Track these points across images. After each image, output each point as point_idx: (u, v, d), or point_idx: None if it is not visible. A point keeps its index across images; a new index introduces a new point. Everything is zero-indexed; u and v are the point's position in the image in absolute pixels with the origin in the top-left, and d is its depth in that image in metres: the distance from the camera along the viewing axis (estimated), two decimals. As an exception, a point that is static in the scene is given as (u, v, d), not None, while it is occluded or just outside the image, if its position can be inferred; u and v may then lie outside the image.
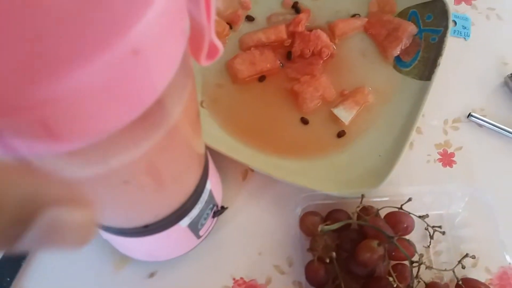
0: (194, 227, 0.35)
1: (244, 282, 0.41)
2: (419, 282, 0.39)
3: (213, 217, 0.39)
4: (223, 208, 0.41)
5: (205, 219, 0.37)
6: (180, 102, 0.21)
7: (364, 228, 0.40)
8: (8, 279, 0.39)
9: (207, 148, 0.39)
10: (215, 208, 0.38)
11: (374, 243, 0.37)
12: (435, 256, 0.42)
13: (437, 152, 0.47)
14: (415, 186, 0.44)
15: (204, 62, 0.21)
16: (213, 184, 0.36)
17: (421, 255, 0.38)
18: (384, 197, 0.42)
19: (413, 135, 0.46)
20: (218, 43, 0.20)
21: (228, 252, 0.42)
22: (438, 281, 0.41)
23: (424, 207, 0.41)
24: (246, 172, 0.46)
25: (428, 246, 0.42)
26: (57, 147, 0.15)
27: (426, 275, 0.40)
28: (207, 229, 0.39)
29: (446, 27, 0.49)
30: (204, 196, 0.33)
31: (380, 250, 0.37)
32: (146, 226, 0.29)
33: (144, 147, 0.20)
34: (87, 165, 0.18)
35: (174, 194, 0.29)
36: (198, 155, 0.29)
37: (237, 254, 0.42)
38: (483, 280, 0.40)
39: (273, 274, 0.41)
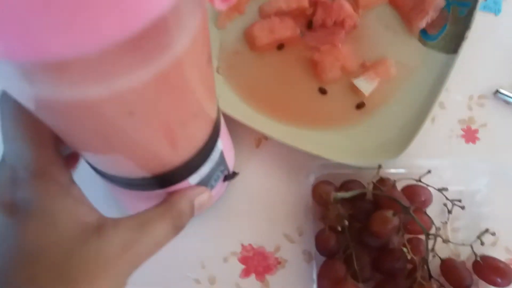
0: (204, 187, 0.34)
1: (253, 248, 0.40)
2: (434, 256, 0.37)
3: (224, 181, 0.38)
4: (234, 174, 0.39)
5: (216, 181, 0.36)
6: (188, 33, 0.20)
7: (380, 199, 0.38)
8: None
9: (222, 114, 0.38)
10: (226, 171, 0.37)
11: (389, 213, 0.36)
12: (452, 232, 0.41)
13: (460, 128, 0.45)
14: (435, 160, 0.42)
15: (218, 3, 0.20)
16: (225, 147, 0.35)
17: (438, 228, 0.36)
18: (402, 169, 0.40)
19: (436, 110, 0.44)
20: None
21: (238, 218, 0.41)
22: (454, 258, 0.39)
23: (444, 182, 0.40)
24: (260, 140, 0.45)
25: (446, 222, 0.40)
26: (48, 52, 0.14)
27: (443, 252, 0.38)
28: (217, 194, 0.39)
29: (475, 1, 0.47)
30: (215, 155, 0.32)
31: (395, 221, 0.36)
32: (155, 177, 0.28)
33: (146, 73, 0.19)
34: (89, 83, 0.18)
35: (181, 141, 0.27)
36: (208, 106, 0.28)
37: (247, 220, 0.41)
38: (502, 260, 0.38)
39: (282, 242, 0.40)
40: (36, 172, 0.24)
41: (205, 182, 0.33)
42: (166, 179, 0.29)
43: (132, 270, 0.26)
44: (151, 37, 0.17)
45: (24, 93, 0.19)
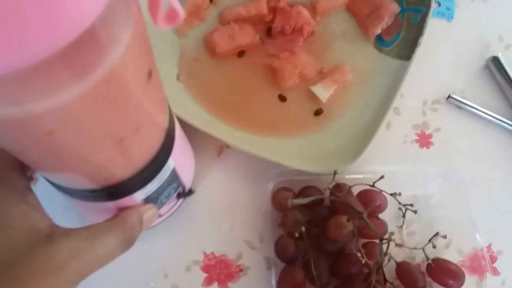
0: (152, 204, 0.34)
1: (215, 256, 0.41)
2: (389, 260, 0.38)
3: (178, 197, 0.38)
4: (190, 191, 0.39)
5: (167, 198, 0.35)
6: (120, 46, 0.20)
7: (336, 204, 0.39)
8: None
9: (182, 123, 0.38)
10: (180, 188, 0.37)
11: (344, 218, 0.37)
12: (408, 236, 0.42)
13: (415, 133, 0.46)
14: (390, 165, 0.44)
15: (161, 24, 0.20)
16: (179, 164, 0.34)
17: (391, 233, 0.38)
18: (358, 174, 0.42)
19: (391, 115, 0.45)
20: (178, 7, 0.19)
21: (200, 226, 0.42)
22: (410, 261, 0.41)
23: (399, 187, 0.41)
24: (222, 148, 0.45)
25: (401, 226, 0.41)
26: None
27: (399, 255, 0.40)
28: (170, 209, 0.38)
29: (428, 7, 0.48)
30: (165, 174, 0.32)
31: (349, 226, 0.37)
32: (103, 189, 0.28)
33: (77, 89, 0.18)
34: (11, 102, 0.17)
35: (123, 156, 0.26)
36: (153, 120, 0.28)
37: (209, 228, 0.42)
38: (455, 261, 0.40)
39: (244, 249, 0.41)
40: None
41: (153, 199, 0.33)
42: (113, 192, 0.29)
43: (80, 278, 0.27)
44: (79, 52, 0.17)
45: None
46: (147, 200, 0.32)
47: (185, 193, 0.38)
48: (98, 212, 0.33)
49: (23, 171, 0.27)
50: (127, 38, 0.19)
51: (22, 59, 0.14)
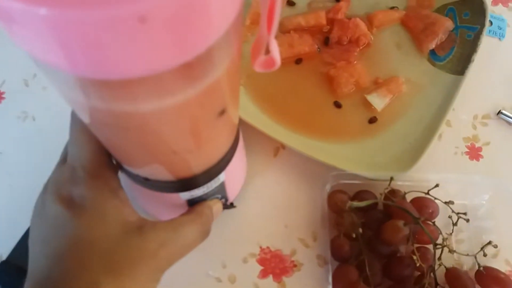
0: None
1: (270, 251, 0.43)
2: (440, 265, 0.40)
3: None
4: (231, 205, 0.41)
5: None
6: (228, 57, 0.22)
7: (390, 209, 0.41)
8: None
9: (241, 124, 0.40)
10: (223, 200, 0.39)
11: (400, 223, 0.39)
12: (456, 244, 0.43)
13: (465, 146, 0.48)
14: (441, 174, 0.45)
15: (257, 67, 0.22)
16: (230, 178, 0.36)
17: (445, 239, 0.39)
18: (411, 182, 0.43)
19: (443, 127, 0.47)
20: (276, 57, 0.21)
21: (257, 221, 0.44)
22: (458, 267, 0.42)
23: (449, 196, 0.42)
24: (278, 149, 0.48)
25: (451, 234, 0.43)
26: (110, 72, 0.17)
27: (447, 261, 0.41)
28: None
29: (482, 25, 0.50)
30: (213, 184, 0.34)
31: (406, 230, 0.39)
32: (146, 179, 0.31)
33: (191, 91, 0.21)
34: (141, 100, 0.20)
35: (184, 164, 0.29)
36: (227, 130, 0.30)
37: (265, 224, 0.44)
38: (502, 271, 0.41)
39: (298, 246, 0.43)
40: (92, 173, 0.28)
41: (195, 202, 0.35)
42: (166, 187, 0.32)
43: (167, 266, 0.30)
44: (198, 64, 0.19)
45: (82, 102, 0.21)
46: (190, 201, 0.35)
47: (226, 205, 0.39)
48: (158, 204, 0.36)
49: (116, 171, 0.30)
50: (230, 59, 0.22)
51: (164, 65, 0.17)
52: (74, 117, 0.29)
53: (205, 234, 0.33)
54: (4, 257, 0.42)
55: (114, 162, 0.31)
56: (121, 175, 0.33)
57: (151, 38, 0.16)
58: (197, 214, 0.33)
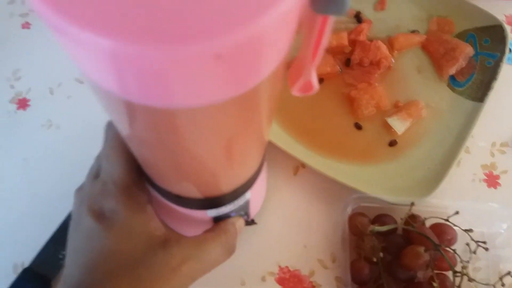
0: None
1: (289, 271, 0.43)
2: (458, 293, 0.40)
3: None
4: (252, 222, 0.42)
5: None
6: (270, 93, 0.22)
7: (410, 234, 0.42)
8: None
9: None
10: (245, 217, 0.39)
11: (421, 249, 0.39)
12: (473, 272, 0.44)
13: (483, 173, 0.48)
14: (459, 201, 0.46)
15: (294, 91, 0.23)
16: (254, 196, 0.37)
17: (464, 267, 0.40)
18: (430, 207, 0.44)
19: (462, 153, 0.48)
20: (315, 82, 0.22)
21: (276, 240, 0.44)
22: (474, 295, 0.42)
23: (467, 223, 0.43)
24: (298, 168, 0.48)
25: (468, 262, 0.43)
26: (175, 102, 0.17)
27: (464, 288, 0.42)
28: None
29: (503, 52, 0.51)
30: (239, 202, 0.34)
31: (426, 256, 0.39)
32: (177, 196, 0.31)
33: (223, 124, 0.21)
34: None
35: (215, 181, 0.29)
36: (257, 148, 0.30)
37: (284, 243, 0.44)
38: (518, 300, 0.41)
39: (316, 267, 0.43)
40: (122, 189, 0.29)
41: (220, 218, 0.36)
42: (194, 204, 0.32)
43: (190, 282, 0.31)
44: (248, 97, 0.19)
45: (124, 121, 0.21)
46: (216, 218, 0.35)
47: (247, 222, 0.40)
48: (183, 221, 0.36)
49: (144, 186, 0.32)
50: (277, 89, 0.22)
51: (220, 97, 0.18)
52: (109, 132, 0.30)
53: (229, 251, 0.34)
54: (26, 265, 0.42)
55: (144, 178, 0.32)
56: (150, 190, 0.34)
57: (219, 72, 0.16)
58: (220, 231, 0.34)
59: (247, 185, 0.33)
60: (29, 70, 0.52)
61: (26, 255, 0.43)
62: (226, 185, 0.31)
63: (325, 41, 0.20)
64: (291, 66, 0.23)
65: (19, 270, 0.42)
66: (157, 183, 0.31)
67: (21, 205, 0.46)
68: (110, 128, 0.31)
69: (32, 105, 0.50)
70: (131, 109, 0.19)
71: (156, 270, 0.28)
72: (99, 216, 0.29)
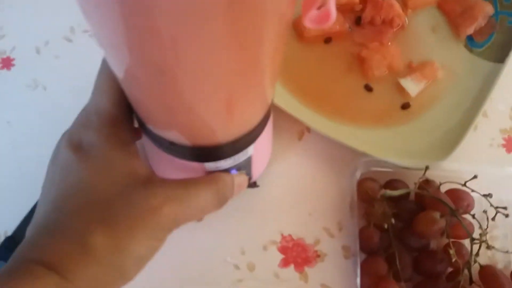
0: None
1: (292, 239, 0.40)
2: (475, 262, 0.37)
3: None
4: (254, 184, 0.39)
5: None
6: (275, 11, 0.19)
7: (424, 200, 0.38)
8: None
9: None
10: (248, 176, 0.36)
11: (436, 214, 0.36)
12: (491, 240, 0.41)
13: (502, 137, 0.45)
14: (476, 166, 0.42)
15: (308, 22, 0.20)
16: (258, 154, 0.34)
17: (482, 234, 0.37)
18: (446, 172, 0.40)
19: (479, 117, 0.44)
20: (332, 9, 0.19)
21: (279, 207, 0.41)
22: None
23: (485, 189, 0.40)
24: (303, 132, 0.45)
25: (485, 229, 0.40)
26: None
27: (481, 258, 0.39)
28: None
29: (525, 11, 0.47)
30: (240, 157, 0.31)
31: (441, 222, 0.36)
32: (172, 143, 0.28)
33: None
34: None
35: (214, 124, 0.27)
36: (264, 88, 0.27)
37: (287, 210, 0.41)
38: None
39: (322, 236, 0.40)
40: (104, 121, 0.27)
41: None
42: (191, 154, 0.29)
43: (173, 225, 0.28)
44: None
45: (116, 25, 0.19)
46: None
47: (249, 184, 0.37)
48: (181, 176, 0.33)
49: (132, 125, 0.29)
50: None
51: None
52: (103, 66, 0.28)
53: (220, 201, 0.31)
54: (9, 233, 0.40)
55: (137, 125, 0.30)
56: (144, 140, 0.31)
57: None
58: (213, 178, 0.30)
59: (249, 138, 0.30)
60: (13, 27, 0.49)
61: (9, 223, 0.40)
62: (224, 132, 0.27)
63: None
64: None
65: (1, 239, 0.39)
66: (150, 127, 0.28)
67: (5, 171, 0.43)
68: (102, 67, 0.28)
69: (17, 65, 0.47)
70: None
71: (134, 209, 0.26)
72: (77, 148, 0.27)
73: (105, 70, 0.28)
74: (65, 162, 0.26)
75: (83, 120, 0.28)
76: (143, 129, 0.29)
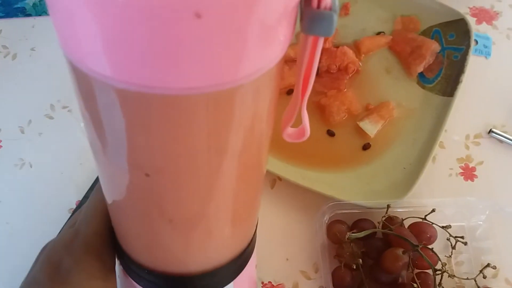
0: None
1: (272, 286, 0.43)
2: (441, 290, 0.40)
3: None
4: None
5: None
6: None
7: (389, 237, 0.41)
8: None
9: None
10: None
11: (399, 251, 0.39)
12: (456, 266, 0.44)
13: (459, 166, 0.48)
14: (437, 198, 0.46)
15: (286, 137, 0.23)
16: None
17: (444, 264, 0.40)
18: (408, 207, 0.44)
19: (436, 149, 0.48)
20: (306, 127, 0.21)
21: (257, 255, 0.44)
22: (459, 290, 0.42)
23: (446, 219, 0.43)
24: (274, 181, 0.48)
25: (450, 256, 0.43)
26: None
27: (448, 284, 0.42)
28: None
29: (468, 46, 0.51)
30: None
31: (405, 258, 0.39)
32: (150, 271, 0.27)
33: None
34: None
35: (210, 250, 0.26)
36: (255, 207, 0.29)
37: (265, 258, 0.44)
38: (503, 291, 0.41)
39: (300, 279, 0.43)
40: (88, 250, 0.27)
41: None
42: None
43: None
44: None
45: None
46: None
47: None
48: None
49: (114, 254, 0.29)
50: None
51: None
52: (97, 189, 0.29)
53: None
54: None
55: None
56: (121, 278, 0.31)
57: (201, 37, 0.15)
58: None
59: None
60: (-3, 111, 0.53)
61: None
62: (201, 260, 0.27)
63: (315, 64, 0.20)
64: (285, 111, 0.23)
65: None
66: (130, 254, 0.28)
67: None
68: (95, 191, 0.29)
69: (4, 146, 0.50)
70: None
71: None
72: (55, 270, 0.26)
73: (99, 192, 0.28)
74: (36, 281, 0.26)
75: (67, 240, 0.27)
76: (120, 256, 0.29)
